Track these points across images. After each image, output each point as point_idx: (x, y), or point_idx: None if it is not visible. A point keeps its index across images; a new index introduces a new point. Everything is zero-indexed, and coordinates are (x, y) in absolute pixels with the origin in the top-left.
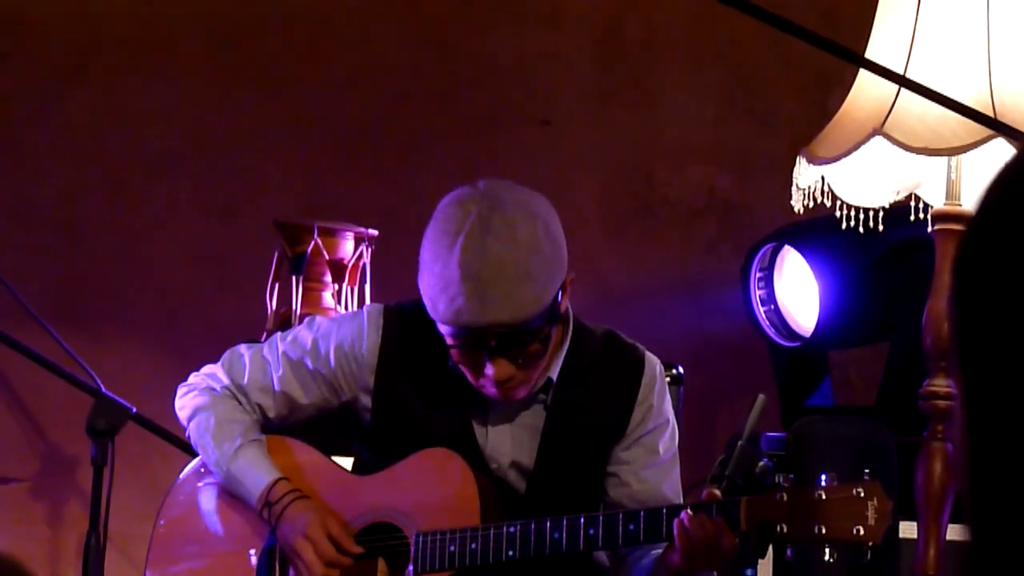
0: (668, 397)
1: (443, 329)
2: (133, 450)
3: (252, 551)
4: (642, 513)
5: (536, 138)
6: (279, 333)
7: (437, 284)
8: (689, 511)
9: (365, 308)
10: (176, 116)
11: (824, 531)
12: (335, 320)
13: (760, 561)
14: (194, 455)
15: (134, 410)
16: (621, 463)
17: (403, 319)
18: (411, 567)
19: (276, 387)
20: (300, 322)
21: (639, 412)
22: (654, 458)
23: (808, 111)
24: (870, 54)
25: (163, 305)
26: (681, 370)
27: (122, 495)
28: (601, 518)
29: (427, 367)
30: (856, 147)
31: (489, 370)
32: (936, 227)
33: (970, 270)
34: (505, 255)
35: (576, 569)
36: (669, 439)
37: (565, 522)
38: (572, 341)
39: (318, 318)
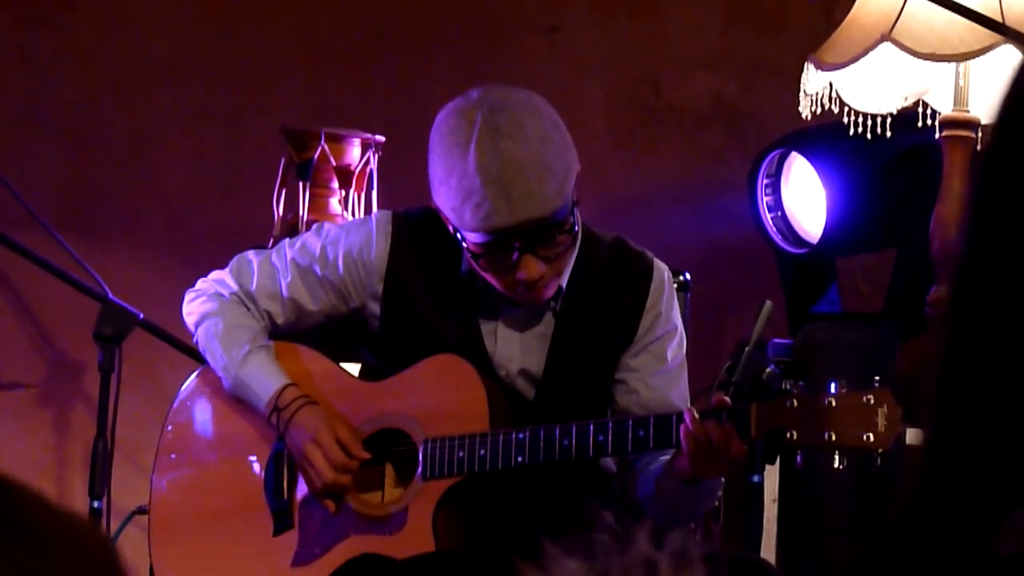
0: (676, 304)
1: (471, 237)
2: (140, 356)
3: (260, 457)
4: (652, 419)
5: (542, 45)
6: (287, 239)
7: (459, 194)
8: (695, 414)
9: (374, 215)
10: (182, 23)
11: (834, 437)
12: (343, 227)
13: (767, 468)
14: (201, 361)
15: (141, 316)
16: (629, 370)
17: (412, 226)
18: (419, 472)
19: (284, 293)
20: (307, 228)
21: (647, 319)
22: (662, 365)
23: (815, 17)
24: None
25: (170, 211)
26: (688, 277)
27: (129, 401)
28: (610, 424)
29: (436, 274)
30: (864, 53)
31: (520, 272)
32: (943, 133)
33: (991, 181)
34: (521, 152)
35: (584, 475)
36: (677, 346)
37: (574, 428)
38: (581, 248)
39: (326, 225)
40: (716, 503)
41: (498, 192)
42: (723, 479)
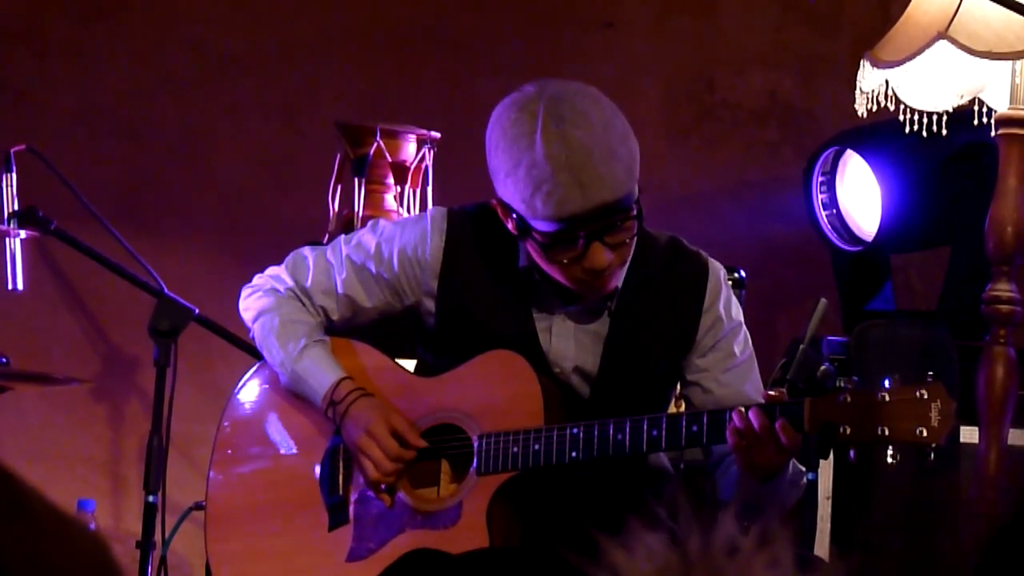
0: (735, 300)
1: (541, 227)
2: (195, 351)
3: (316, 452)
4: (705, 414)
5: (598, 41)
6: (343, 236)
7: (528, 185)
8: (740, 409)
9: (428, 212)
10: (238, 17)
11: (887, 432)
12: (398, 223)
13: (821, 463)
14: (257, 356)
15: (196, 311)
16: (700, 371)
17: (467, 222)
18: (474, 467)
19: (339, 290)
20: (362, 224)
21: (707, 320)
22: (732, 361)
23: (871, 15)
24: None
25: (225, 207)
26: (743, 274)
27: (184, 396)
28: (664, 419)
29: (491, 271)
30: (920, 51)
31: (587, 262)
32: (999, 131)
33: None
34: (588, 139)
35: (639, 472)
36: (744, 341)
37: (628, 424)
38: (636, 248)
39: (381, 221)
40: (800, 495)
41: (570, 179)
42: (804, 470)
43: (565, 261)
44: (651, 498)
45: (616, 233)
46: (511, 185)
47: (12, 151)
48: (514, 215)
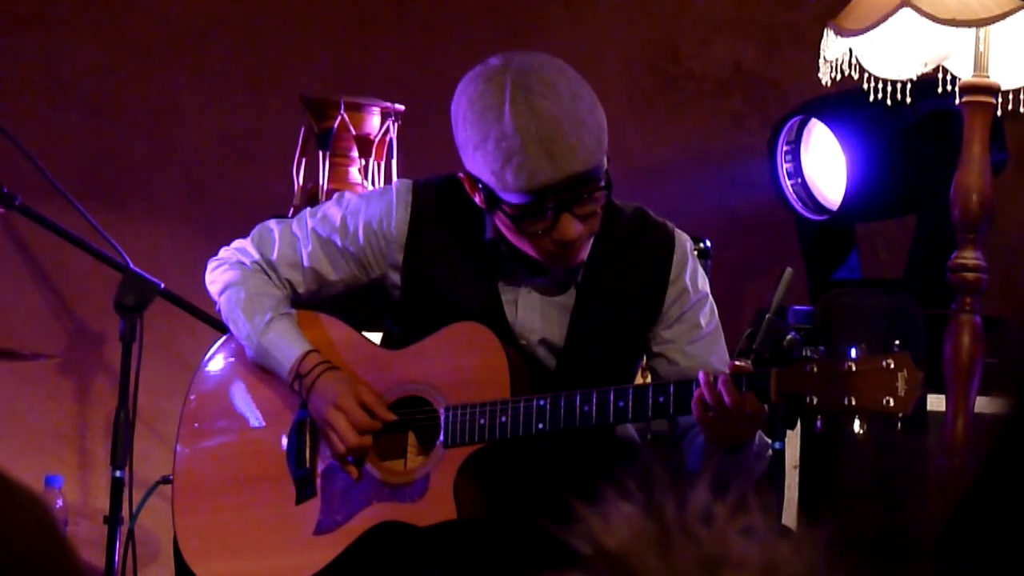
0: (701, 271)
1: (511, 199)
2: (161, 326)
3: (283, 425)
4: (672, 385)
5: (561, 12)
6: (308, 209)
7: (498, 157)
8: (710, 378)
9: (394, 184)
10: None
11: (854, 402)
12: (364, 196)
13: (788, 434)
14: (223, 331)
15: (162, 285)
16: (665, 342)
17: (432, 195)
18: (440, 439)
19: (305, 263)
20: (327, 197)
21: (673, 291)
22: (698, 332)
23: None
24: None
25: (190, 181)
26: (708, 244)
27: (151, 371)
28: (631, 390)
29: (457, 243)
30: (884, 19)
31: (556, 233)
32: (964, 99)
33: None
34: (556, 109)
35: (606, 444)
36: (709, 312)
37: (595, 395)
38: (602, 219)
39: (347, 194)
40: (766, 466)
41: (539, 150)
42: (770, 441)
43: (536, 233)
44: (620, 468)
45: (585, 204)
46: (480, 158)
47: None
48: (482, 187)
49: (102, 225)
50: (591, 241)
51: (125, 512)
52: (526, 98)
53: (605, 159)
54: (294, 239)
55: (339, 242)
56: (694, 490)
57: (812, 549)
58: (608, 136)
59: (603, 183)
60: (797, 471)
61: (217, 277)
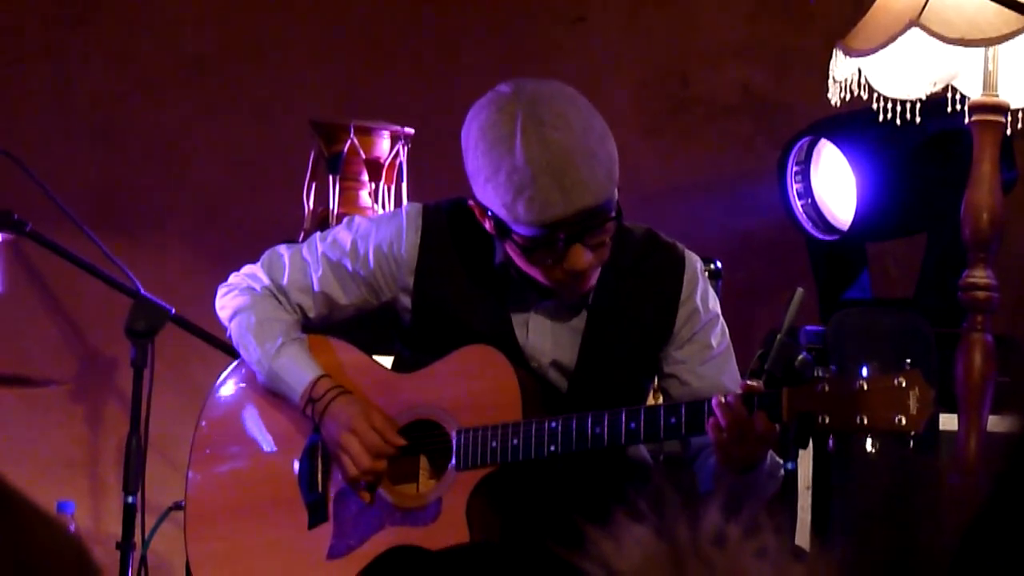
0: (712, 292)
1: (523, 231)
2: (172, 352)
3: (294, 450)
4: (683, 406)
5: (571, 36)
6: (318, 233)
7: (509, 189)
8: (720, 399)
9: (404, 208)
10: (209, 17)
11: (866, 420)
12: (374, 220)
13: (800, 454)
14: (234, 356)
15: (173, 311)
16: (677, 363)
17: (442, 218)
18: (452, 463)
19: (316, 287)
20: (338, 221)
21: (684, 311)
22: (709, 353)
23: (843, 4)
24: None
25: (200, 206)
26: (719, 265)
27: (162, 397)
28: (642, 411)
29: (467, 266)
30: (892, 38)
31: (568, 263)
32: (973, 118)
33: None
34: (567, 142)
35: (618, 465)
36: (720, 333)
37: (606, 416)
38: (613, 242)
39: (357, 218)
40: (778, 486)
41: (551, 184)
42: (781, 461)
43: (546, 262)
44: (632, 490)
45: (596, 234)
46: (491, 190)
47: None
48: (492, 216)
49: (113, 251)
50: (600, 267)
51: (137, 538)
52: (537, 130)
53: (616, 190)
54: (304, 264)
55: (349, 266)
56: (706, 512)
57: (826, 570)
58: (619, 163)
59: (613, 213)
60: (810, 492)
61: (227, 303)
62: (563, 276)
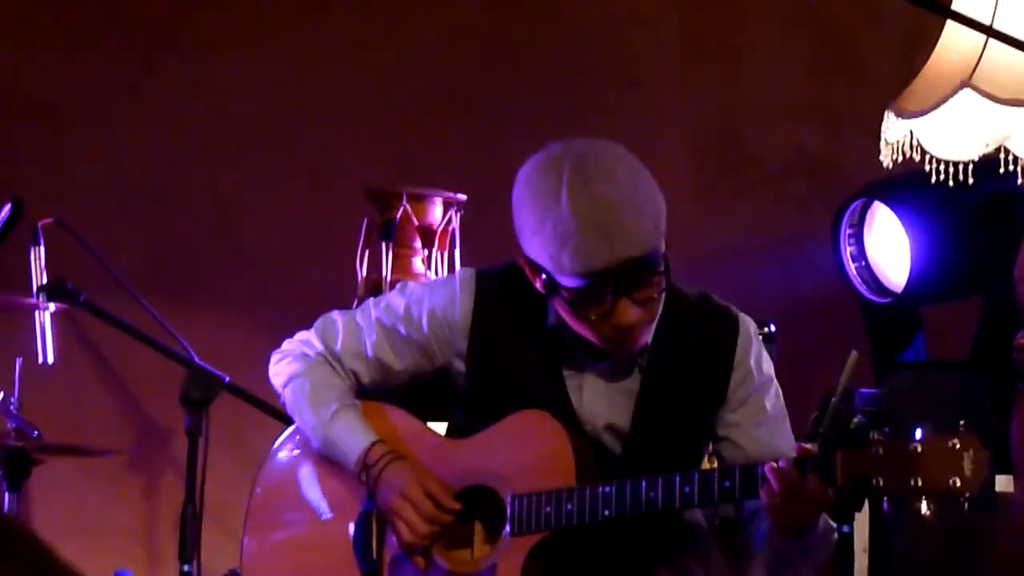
0: (766, 355)
1: (568, 283)
2: (227, 419)
3: (349, 516)
4: (737, 469)
5: (624, 99)
6: (372, 299)
7: (555, 241)
8: (772, 464)
9: (457, 273)
10: (263, 86)
11: (920, 483)
12: (427, 285)
13: (856, 517)
14: (288, 423)
15: (227, 379)
16: (731, 426)
17: (495, 283)
18: (507, 528)
19: (369, 353)
20: (391, 288)
21: (738, 374)
22: (763, 416)
23: (896, 66)
24: (957, 6)
25: (254, 273)
26: (773, 328)
27: (217, 465)
28: (696, 476)
29: (521, 330)
30: (944, 100)
31: (615, 318)
32: None
33: None
34: (614, 194)
35: (672, 528)
36: (775, 396)
37: (660, 481)
38: (666, 304)
39: (410, 284)
40: (833, 549)
41: (596, 234)
42: (835, 525)
43: (593, 318)
44: (685, 554)
45: (644, 289)
46: (538, 243)
47: (40, 224)
48: (542, 273)
49: (167, 319)
50: (652, 327)
51: None
52: (583, 183)
53: (663, 244)
54: (358, 329)
55: (403, 331)
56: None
57: None
58: (671, 221)
59: (662, 268)
60: (867, 554)
61: (281, 369)
62: (612, 333)
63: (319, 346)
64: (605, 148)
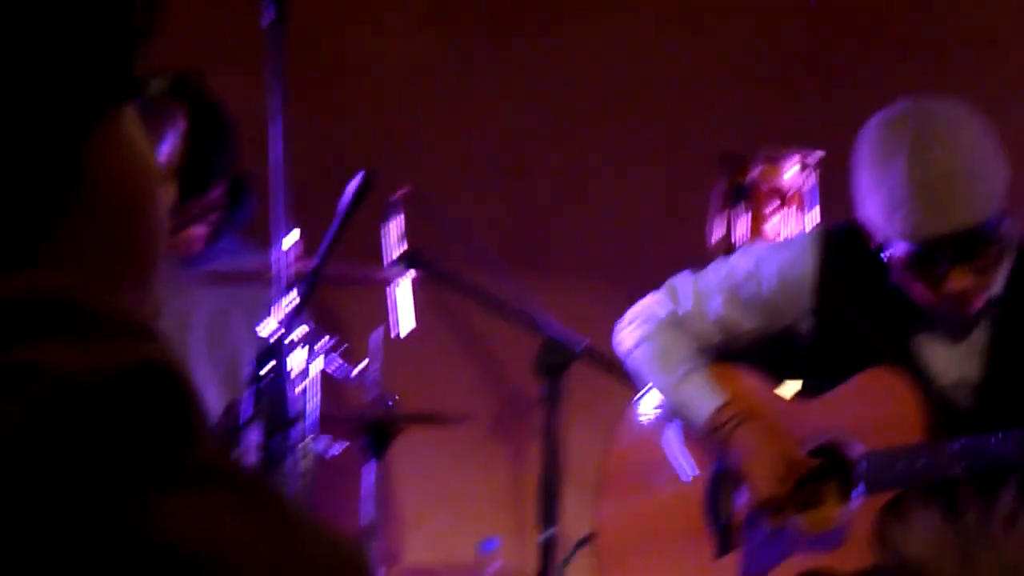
0: None
1: (900, 247)
2: (581, 387)
3: (701, 477)
4: None
5: (979, 59)
6: (717, 262)
7: (887, 204)
8: None
9: (801, 233)
10: (616, 55)
11: None
12: (772, 246)
13: None
14: (636, 389)
15: (582, 347)
16: None
17: (839, 241)
18: (861, 486)
19: (716, 314)
20: None
21: None
22: None
23: None
24: None
25: (610, 241)
26: None
27: (573, 431)
28: None
29: (866, 288)
30: None
31: (949, 284)
32: None
33: None
34: (951, 160)
35: None
36: None
37: (1017, 434)
38: (1018, 253)
39: (756, 245)
40: None
41: (930, 201)
42: None
43: (925, 283)
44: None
45: (977, 259)
46: (872, 203)
47: (399, 194)
48: (876, 233)
49: (522, 288)
50: (987, 292)
51: (554, 572)
52: (923, 147)
53: (1001, 212)
54: (704, 292)
55: (749, 292)
56: (1001, 496)
57: None
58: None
59: (998, 238)
60: None
61: (627, 335)
62: (943, 298)
63: (666, 310)
64: (951, 110)
